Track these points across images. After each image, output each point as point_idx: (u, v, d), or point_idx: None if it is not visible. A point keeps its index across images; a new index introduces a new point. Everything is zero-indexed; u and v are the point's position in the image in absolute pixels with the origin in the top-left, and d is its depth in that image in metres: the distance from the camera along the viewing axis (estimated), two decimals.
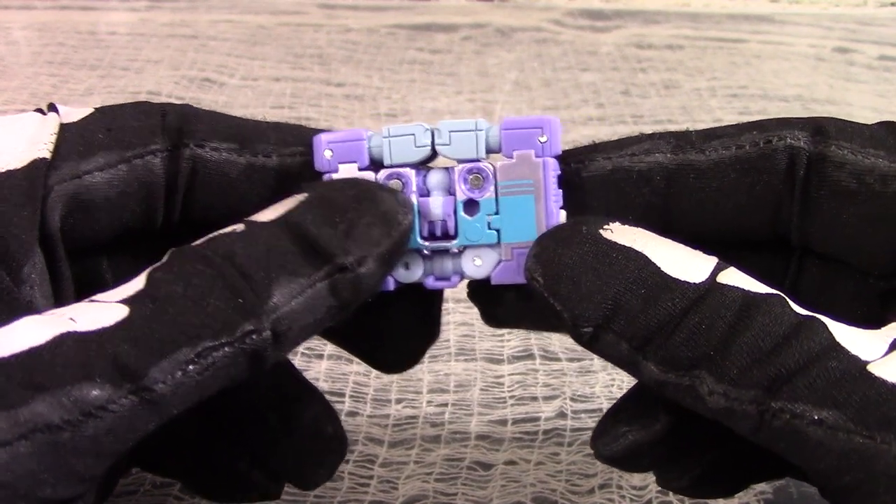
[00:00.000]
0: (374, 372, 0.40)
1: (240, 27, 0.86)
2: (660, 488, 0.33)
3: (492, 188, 0.22)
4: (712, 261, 0.20)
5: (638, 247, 0.20)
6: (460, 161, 0.22)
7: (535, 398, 0.38)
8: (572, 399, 0.38)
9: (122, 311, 0.18)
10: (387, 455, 0.35)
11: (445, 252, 0.23)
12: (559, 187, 0.22)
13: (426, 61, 0.81)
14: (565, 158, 0.23)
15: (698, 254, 0.21)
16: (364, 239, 0.20)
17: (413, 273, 0.23)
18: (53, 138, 0.22)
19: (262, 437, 0.25)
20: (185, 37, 0.82)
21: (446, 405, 0.38)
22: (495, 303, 0.24)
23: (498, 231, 0.22)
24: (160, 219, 0.24)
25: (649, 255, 0.20)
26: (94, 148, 0.23)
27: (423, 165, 0.23)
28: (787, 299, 0.19)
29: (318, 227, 0.20)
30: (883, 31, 0.93)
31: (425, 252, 0.23)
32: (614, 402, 0.36)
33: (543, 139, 0.22)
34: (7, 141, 0.22)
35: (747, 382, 0.18)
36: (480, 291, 0.24)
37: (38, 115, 0.23)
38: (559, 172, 0.22)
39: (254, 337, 0.18)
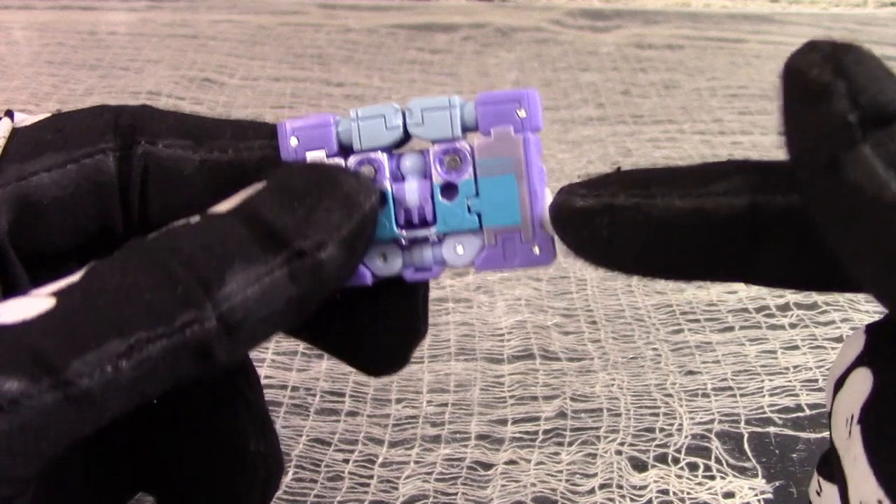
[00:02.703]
0: None
1: (240, 27, 0.86)
2: (660, 488, 0.33)
3: (470, 169, 0.20)
4: None
5: None
6: (435, 142, 0.20)
7: (535, 398, 0.38)
8: (572, 399, 0.38)
9: (49, 303, 0.17)
10: (387, 455, 0.35)
11: (425, 240, 0.21)
12: (541, 164, 0.21)
13: (426, 61, 0.81)
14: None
15: None
16: (323, 222, 0.19)
17: (392, 265, 0.21)
18: (2, 142, 0.22)
19: (179, 447, 0.24)
20: (185, 37, 0.82)
21: (446, 405, 0.38)
22: (590, 231, 0.20)
23: (479, 215, 0.20)
24: (119, 221, 0.23)
25: None
26: (41, 149, 0.22)
27: (396, 149, 0.21)
28: None
29: (274, 213, 0.19)
30: (883, 31, 0.93)
31: (403, 242, 0.21)
32: (614, 401, 0.36)
33: (522, 114, 0.20)
34: None
35: None
36: (570, 219, 0.20)
37: None
38: (541, 148, 0.21)
39: (195, 328, 0.17)
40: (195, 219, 0.19)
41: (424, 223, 0.21)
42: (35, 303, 0.17)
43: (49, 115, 0.23)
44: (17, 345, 0.16)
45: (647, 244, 0.19)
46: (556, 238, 0.20)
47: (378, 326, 0.23)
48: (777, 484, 0.34)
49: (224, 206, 0.19)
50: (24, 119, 0.23)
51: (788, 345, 0.42)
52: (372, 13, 0.92)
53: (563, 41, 0.87)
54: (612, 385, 0.39)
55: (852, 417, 0.17)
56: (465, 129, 0.20)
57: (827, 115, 0.15)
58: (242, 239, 0.18)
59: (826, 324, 0.44)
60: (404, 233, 0.21)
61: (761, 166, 0.19)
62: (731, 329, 0.43)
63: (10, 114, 0.23)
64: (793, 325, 0.44)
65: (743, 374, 0.40)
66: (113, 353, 0.16)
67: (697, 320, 0.44)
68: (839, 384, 0.19)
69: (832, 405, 0.19)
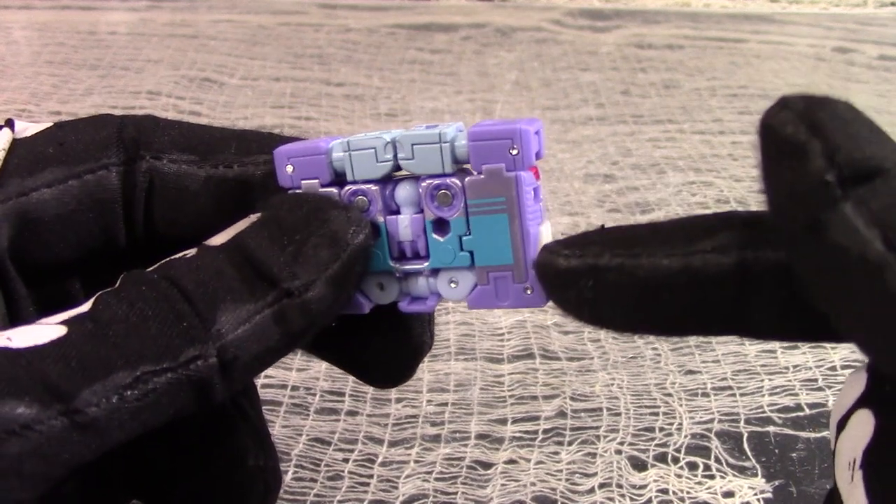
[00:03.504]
0: None
1: (240, 27, 0.86)
2: (659, 487, 0.33)
3: (461, 206, 0.20)
4: None
5: None
6: (426, 176, 0.20)
7: (534, 397, 0.38)
8: (572, 398, 0.38)
9: (60, 331, 0.17)
10: (387, 454, 0.35)
11: (419, 273, 0.21)
12: (537, 200, 0.20)
13: (426, 61, 0.81)
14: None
15: None
16: (312, 261, 0.19)
17: (388, 294, 0.21)
18: (2, 155, 0.22)
19: (175, 462, 0.24)
20: (185, 37, 0.82)
21: (446, 404, 0.38)
22: (575, 291, 0.20)
23: (471, 253, 0.20)
24: (122, 236, 0.23)
25: None
26: (43, 163, 0.22)
27: (389, 178, 0.21)
28: None
29: (264, 251, 0.19)
30: (883, 31, 0.93)
31: (397, 274, 0.21)
32: (614, 400, 0.36)
33: (515, 151, 0.19)
34: None
35: None
36: (555, 279, 0.20)
37: None
38: (536, 185, 0.20)
39: (199, 363, 0.18)
40: (191, 252, 0.19)
41: (418, 256, 0.21)
42: (46, 330, 0.17)
43: (50, 124, 0.23)
44: (29, 370, 0.16)
45: (634, 304, 0.19)
46: None
47: (383, 343, 0.23)
48: (777, 483, 0.34)
49: (219, 240, 0.20)
50: (25, 128, 0.23)
51: (788, 344, 0.42)
52: (372, 13, 0.92)
53: (563, 41, 0.87)
54: (612, 384, 0.39)
55: (854, 461, 0.17)
56: (458, 163, 0.20)
57: (805, 175, 0.15)
58: (233, 278, 0.18)
59: None
60: (398, 265, 0.21)
61: (748, 220, 0.18)
62: None
63: (10, 123, 0.23)
64: None
65: (743, 374, 0.40)
66: (120, 383, 0.17)
67: None
68: (842, 425, 0.18)
69: (835, 446, 0.19)
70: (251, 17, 0.89)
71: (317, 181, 0.21)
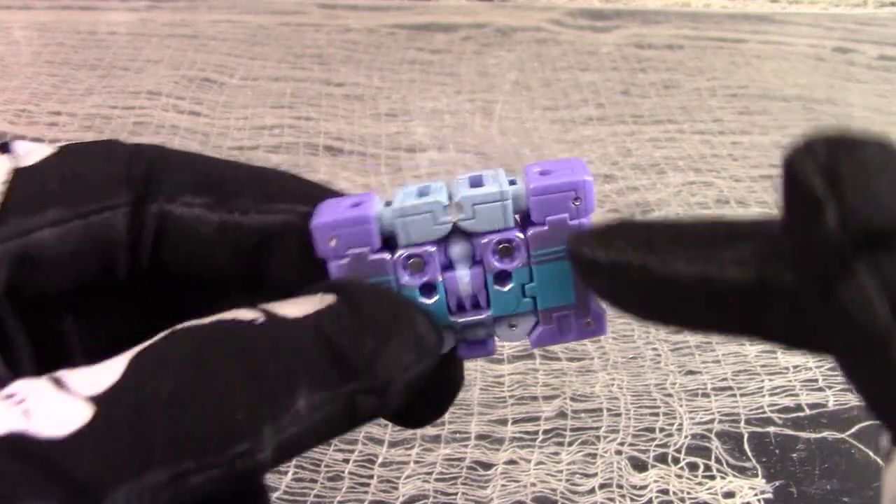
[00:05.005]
0: None
1: (240, 27, 0.86)
2: (660, 488, 0.33)
3: (523, 256, 0.20)
4: None
5: None
6: (487, 233, 0.20)
7: (535, 398, 0.38)
8: (572, 399, 0.38)
9: (86, 413, 0.16)
10: (387, 455, 0.35)
11: (479, 323, 0.21)
12: None
13: (426, 61, 0.81)
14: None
15: None
16: (394, 362, 0.19)
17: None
18: (3, 188, 0.20)
19: None
20: (185, 37, 0.82)
21: None
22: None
23: (534, 298, 0.21)
24: (124, 269, 0.22)
25: None
26: (46, 201, 0.21)
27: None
28: None
29: (347, 339, 0.18)
30: (883, 31, 0.93)
31: (456, 328, 0.21)
32: (614, 401, 0.36)
33: (578, 202, 0.20)
34: None
35: None
36: (583, 268, 0.21)
37: None
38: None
39: (247, 459, 0.16)
40: (258, 316, 0.18)
41: (477, 306, 0.21)
42: (71, 409, 0.16)
43: (53, 150, 0.22)
44: (50, 468, 0.15)
45: (653, 302, 0.19)
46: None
47: (425, 391, 0.23)
48: (777, 484, 0.34)
49: (291, 311, 0.19)
50: (28, 152, 0.22)
51: None
52: (372, 13, 0.92)
53: (563, 41, 0.87)
54: (612, 385, 0.39)
55: None
56: (517, 213, 0.20)
57: (818, 235, 0.15)
58: (315, 360, 0.18)
59: None
60: (458, 319, 0.21)
61: (772, 233, 0.18)
62: None
63: (6, 147, 0.21)
64: None
65: (743, 374, 0.40)
66: (154, 482, 0.16)
67: None
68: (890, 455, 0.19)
69: (884, 477, 0.19)
70: (251, 17, 0.89)
71: (367, 248, 0.21)
